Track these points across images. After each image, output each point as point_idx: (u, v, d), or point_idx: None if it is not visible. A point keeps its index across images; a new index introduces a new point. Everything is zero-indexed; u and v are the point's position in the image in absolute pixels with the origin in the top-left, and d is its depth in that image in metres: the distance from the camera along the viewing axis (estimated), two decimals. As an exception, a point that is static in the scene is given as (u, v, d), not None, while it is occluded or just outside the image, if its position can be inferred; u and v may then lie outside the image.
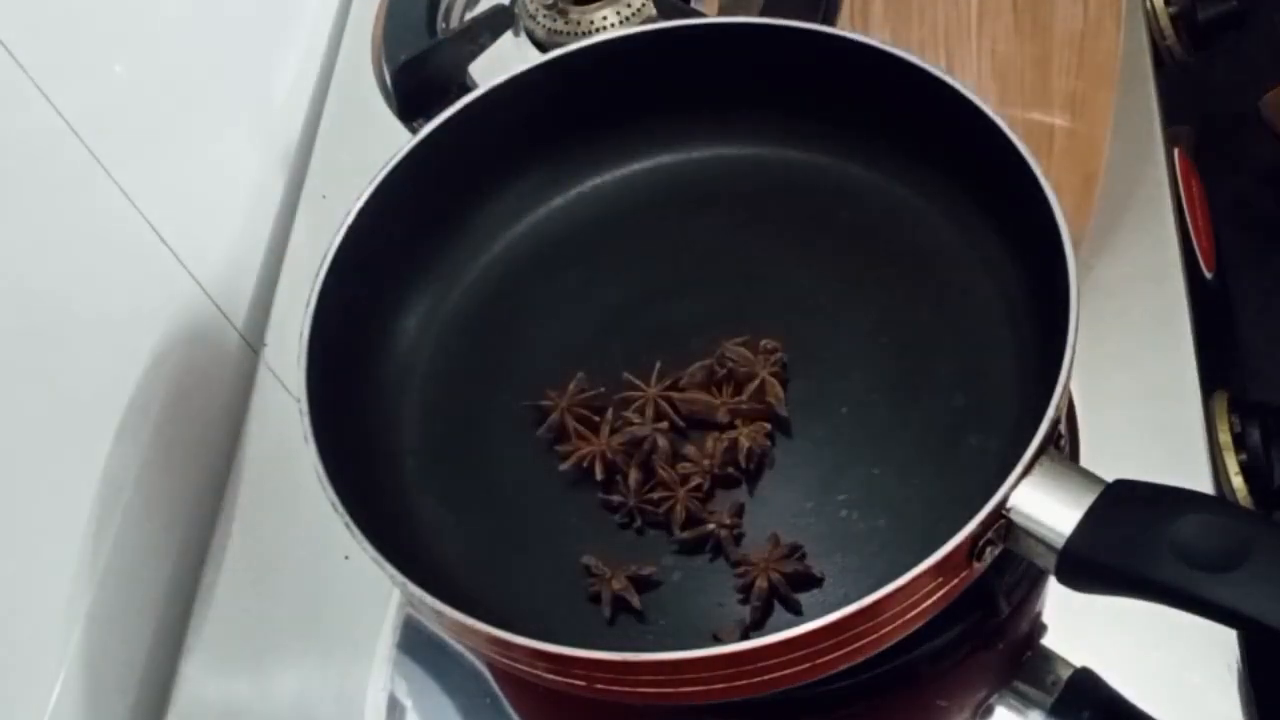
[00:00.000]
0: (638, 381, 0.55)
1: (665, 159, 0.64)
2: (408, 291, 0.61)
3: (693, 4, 0.76)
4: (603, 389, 0.55)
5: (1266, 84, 1.22)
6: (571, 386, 0.56)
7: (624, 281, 0.60)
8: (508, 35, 0.77)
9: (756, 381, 0.54)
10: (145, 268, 0.66)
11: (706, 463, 0.53)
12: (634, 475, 0.53)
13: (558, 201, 0.64)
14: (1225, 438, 0.57)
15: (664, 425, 0.54)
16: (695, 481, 0.53)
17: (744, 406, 0.54)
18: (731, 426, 0.54)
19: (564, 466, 0.54)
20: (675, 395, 0.54)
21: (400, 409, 0.59)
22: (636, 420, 0.54)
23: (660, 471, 0.53)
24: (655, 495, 0.53)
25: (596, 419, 0.55)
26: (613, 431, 0.54)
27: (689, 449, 0.54)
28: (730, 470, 0.53)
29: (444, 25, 0.79)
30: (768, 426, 0.53)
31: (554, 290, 0.61)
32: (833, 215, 0.60)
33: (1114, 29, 0.74)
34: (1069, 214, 0.50)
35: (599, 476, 0.54)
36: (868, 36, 0.58)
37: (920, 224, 0.58)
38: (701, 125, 0.63)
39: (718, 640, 0.49)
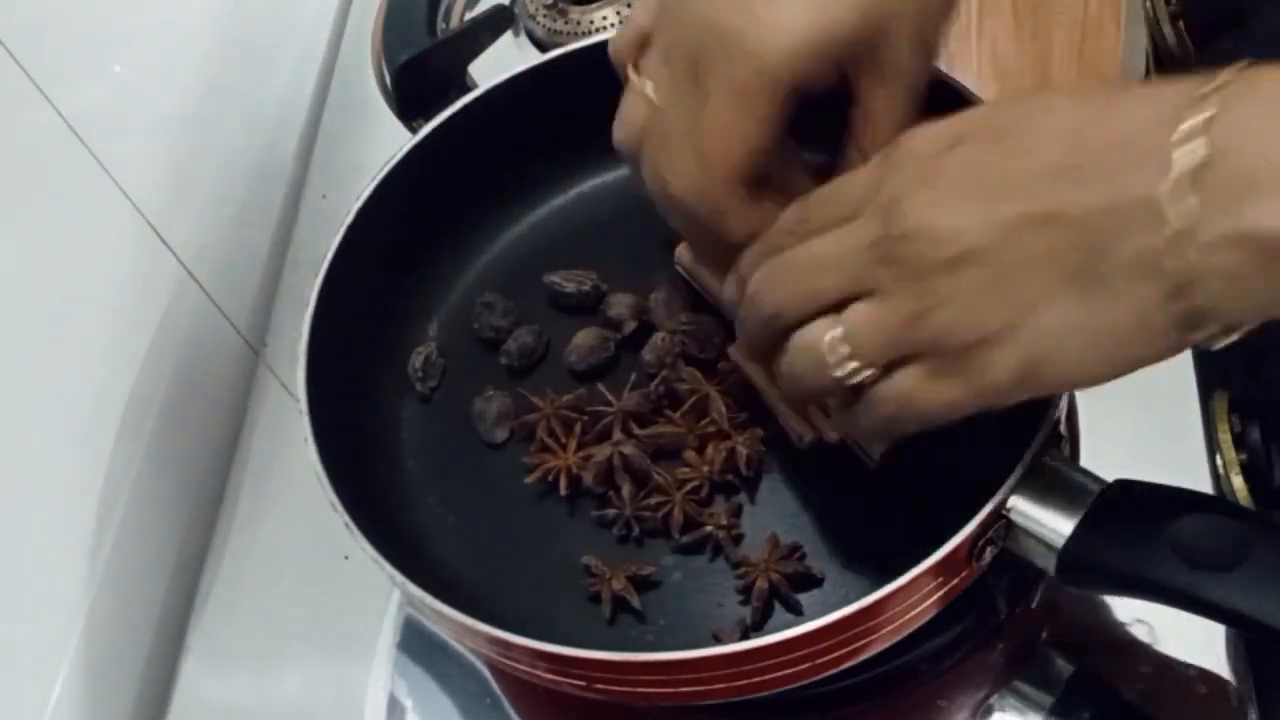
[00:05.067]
0: (609, 395, 0.55)
1: (665, 159, 0.64)
2: (407, 291, 0.61)
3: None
4: (588, 409, 0.55)
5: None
6: (567, 399, 0.56)
7: (624, 282, 0.59)
8: (508, 35, 0.77)
9: (698, 398, 0.54)
10: (145, 268, 0.66)
11: (706, 469, 0.53)
12: (627, 488, 0.53)
13: (558, 201, 0.64)
14: (1225, 438, 0.57)
15: (631, 440, 0.54)
16: (693, 484, 0.53)
17: (711, 429, 0.54)
18: (702, 449, 0.54)
19: (529, 479, 0.54)
20: (640, 431, 0.54)
21: (400, 409, 0.59)
22: (617, 437, 0.54)
23: (656, 477, 0.53)
24: (652, 500, 0.53)
25: (574, 429, 0.55)
26: (579, 447, 0.54)
27: (688, 454, 0.53)
28: (730, 477, 0.53)
29: (444, 25, 0.79)
30: (762, 432, 0.53)
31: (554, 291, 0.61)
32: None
33: (1114, 29, 0.74)
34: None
35: (563, 491, 0.54)
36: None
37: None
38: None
39: (718, 640, 0.49)
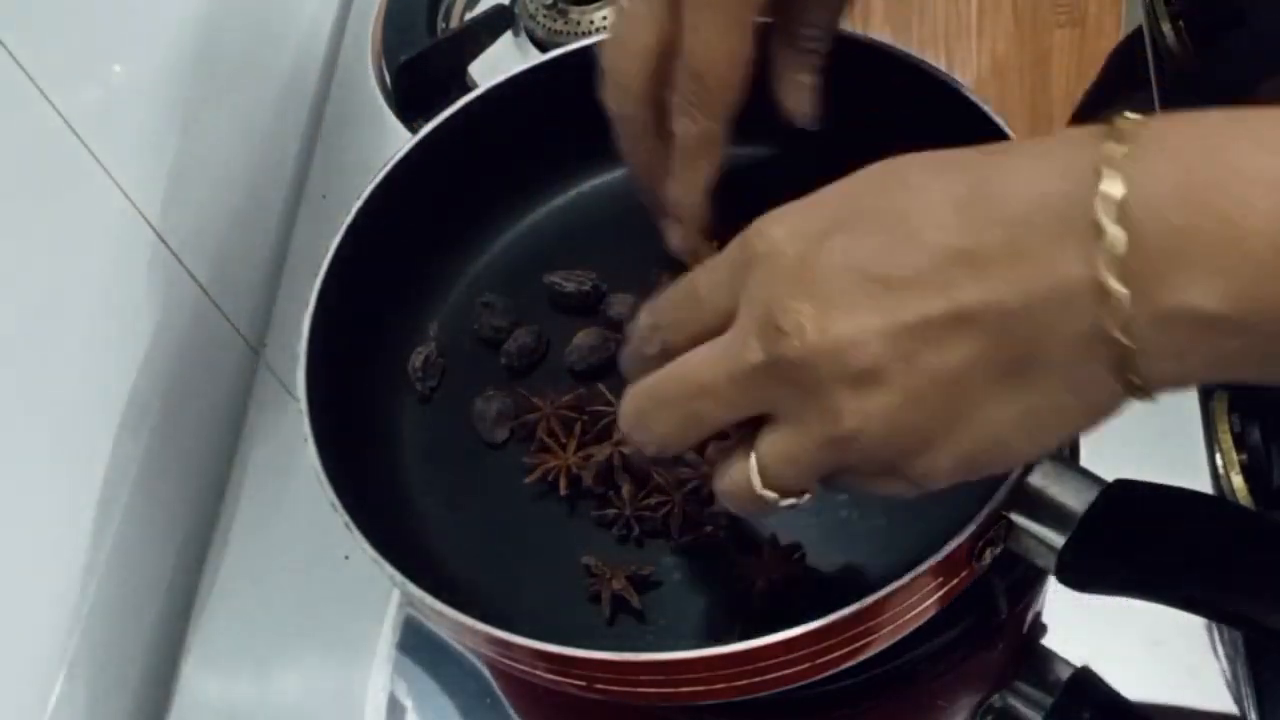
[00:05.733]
0: (610, 395, 0.55)
1: (665, 159, 0.64)
2: (407, 291, 0.61)
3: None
4: (587, 409, 0.55)
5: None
6: (567, 399, 0.56)
7: (624, 282, 0.59)
8: (508, 35, 0.77)
9: None
10: (145, 268, 0.66)
11: (706, 469, 0.53)
12: (627, 488, 0.53)
13: (558, 201, 0.64)
14: (1225, 438, 0.57)
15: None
16: (693, 484, 0.53)
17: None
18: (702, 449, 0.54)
19: (529, 479, 0.54)
20: None
21: (400, 409, 0.59)
22: (617, 437, 0.54)
23: (656, 477, 0.53)
24: (652, 500, 0.53)
25: (573, 429, 0.55)
26: (579, 447, 0.54)
27: (689, 454, 0.53)
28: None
29: (444, 25, 0.79)
30: None
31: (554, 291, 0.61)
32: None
33: (1114, 29, 0.74)
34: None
35: (563, 491, 0.54)
36: (869, 35, 0.58)
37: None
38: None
39: (718, 640, 0.49)
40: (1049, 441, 0.36)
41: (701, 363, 0.39)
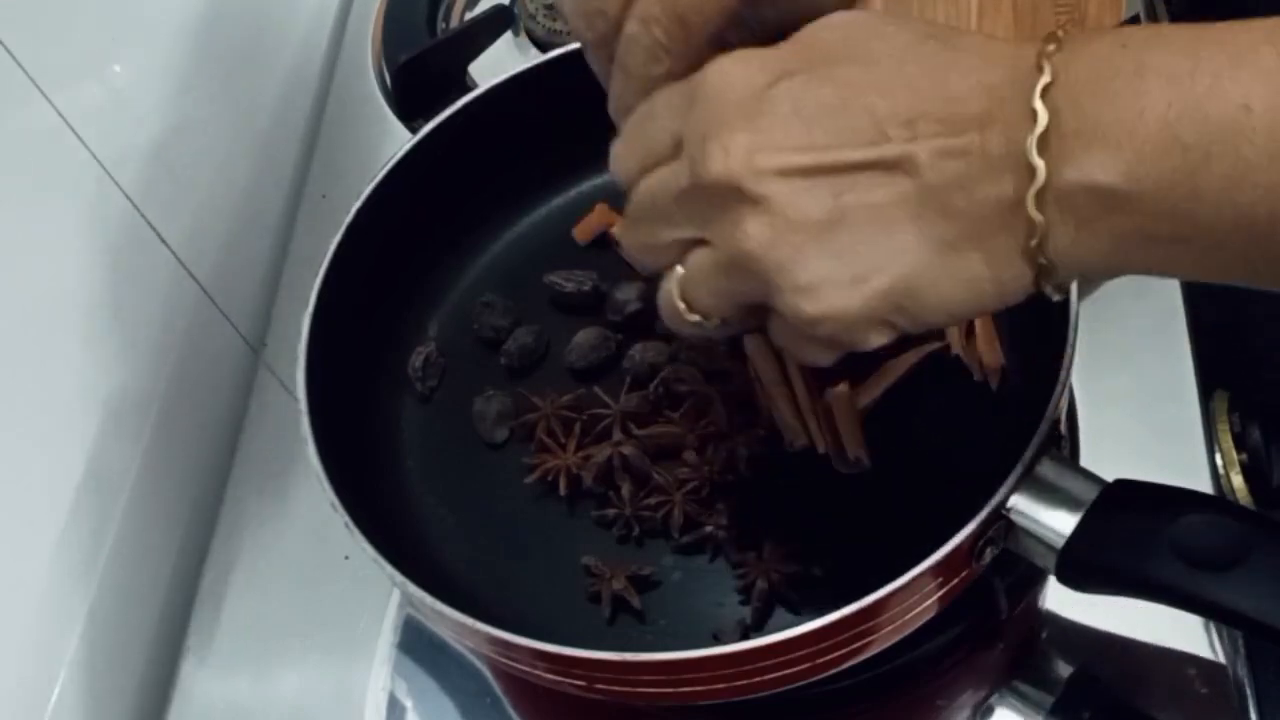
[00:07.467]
0: (606, 398, 0.55)
1: (665, 159, 0.64)
2: (407, 292, 0.61)
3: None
4: (587, 409, 0.55)
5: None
6: (567, 399, 0.56)
7: (624, 281, 0.59)
8: (508, 35, 0.77)
9: (698, 398, 0.54)
10: (145, 268, 0.66)
11: (706, 469, 0.53)
12: (627, 488, 0.53)
13: (558, 201, 0.64)
14: (1225, 438, 0.57)
15: (630, 441, 0.54)
16: (693, 484, 0.53)
17: (710, 429, 0.54)
18: (702, 449, 0.54)
19: (529, 479, 0.54)
20: (639, 432, 0.54)
21: (400, 409, 0.59)
22: (617, 438, 0.54)
23: (656, 477, 0.53)
24: (652, 500, 0.53)
25: (573, 429, 0.55)
26: (579, 447, 0.54)
27: (688, 454, 0.53)
28: (730, 477, 0.53)
29: (444, 25, 0.79)
30: (762, 432, 0.53)
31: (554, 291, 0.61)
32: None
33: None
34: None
35: (563, 491, 0.54)
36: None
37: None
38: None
39: (718, 640, 0.49)
40: (958, 306, 0.38)
41: (652, 184, 0.41)
